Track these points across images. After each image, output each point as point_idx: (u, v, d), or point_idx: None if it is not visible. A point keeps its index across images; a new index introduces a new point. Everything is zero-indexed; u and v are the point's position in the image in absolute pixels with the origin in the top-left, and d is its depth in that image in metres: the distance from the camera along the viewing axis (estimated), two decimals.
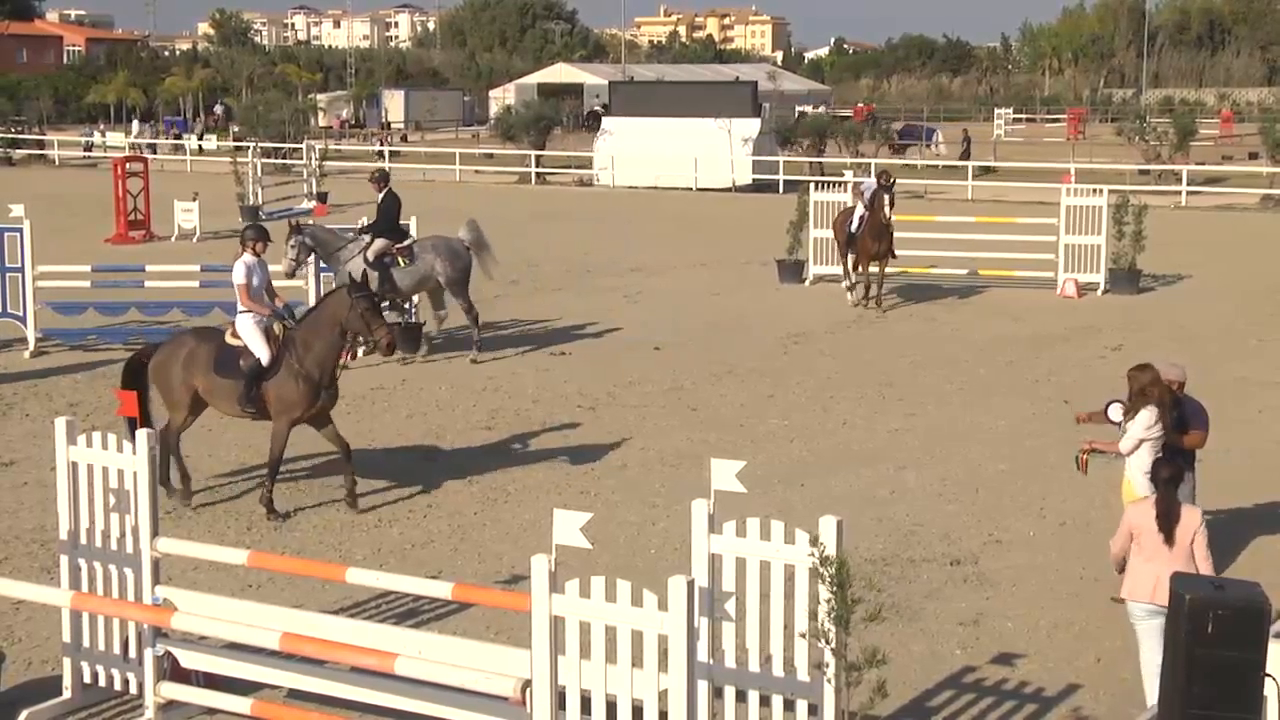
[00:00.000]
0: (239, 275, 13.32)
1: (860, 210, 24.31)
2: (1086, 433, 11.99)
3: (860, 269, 24.59)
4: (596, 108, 75.40)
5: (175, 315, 21.42)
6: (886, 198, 23.56)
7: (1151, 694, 8.65)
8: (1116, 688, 9.38)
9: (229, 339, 13.06)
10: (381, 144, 60.87)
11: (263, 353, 12.81)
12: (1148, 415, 10.40)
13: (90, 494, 8.90)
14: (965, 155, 57.47)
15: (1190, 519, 8.73)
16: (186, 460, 13.38)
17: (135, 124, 76.98)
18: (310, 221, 21.62)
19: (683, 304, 25.07)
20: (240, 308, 13.24)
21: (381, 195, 19.91)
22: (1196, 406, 11.08)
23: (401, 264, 19.45)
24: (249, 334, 12.93)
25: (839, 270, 27.83)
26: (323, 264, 19.54)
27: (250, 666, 8.49)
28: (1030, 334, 22.22)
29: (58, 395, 17.73)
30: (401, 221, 20.26)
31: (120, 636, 8.86)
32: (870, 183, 24.56)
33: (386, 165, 56.55)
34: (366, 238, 19.53)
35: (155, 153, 60.86)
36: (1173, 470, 8.82)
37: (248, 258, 13.48)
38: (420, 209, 30.50)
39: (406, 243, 19.74)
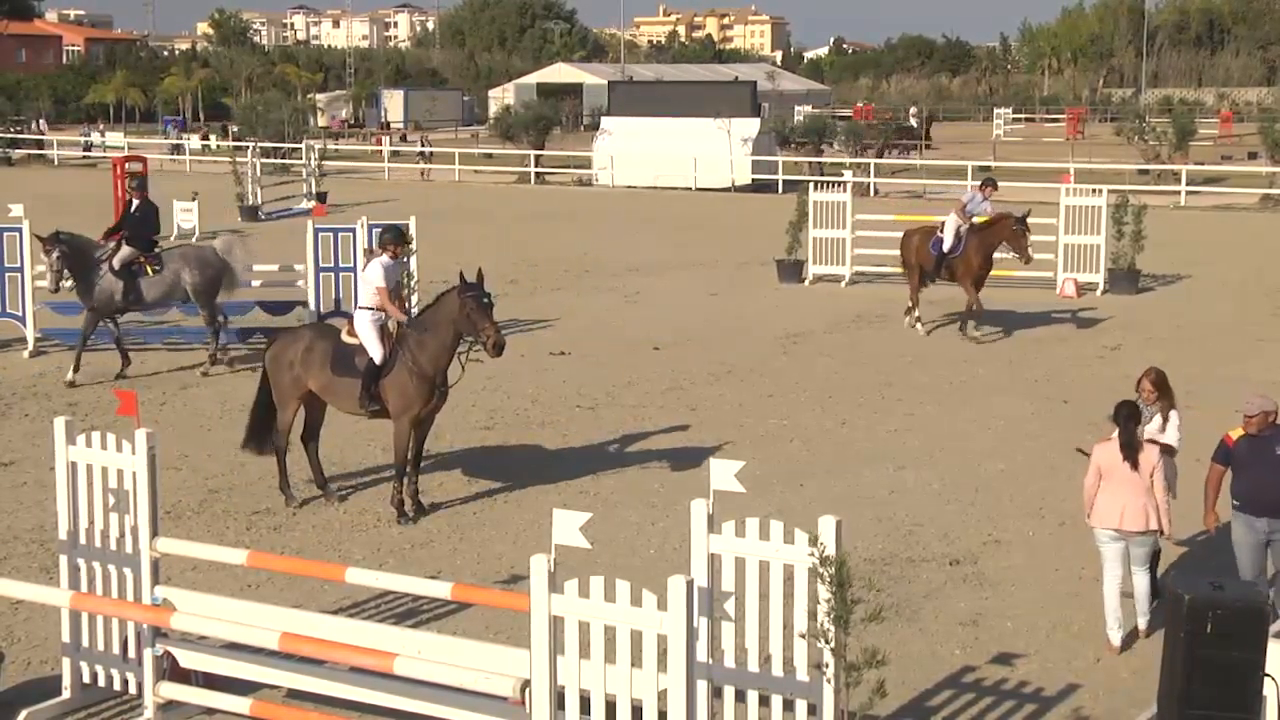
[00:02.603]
0: (377, 277, 13.04)
1: (955, 223, 21.55)
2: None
3: (968, 291, 21.60)
4: None
5: (174, 315, 21.41)
6: (1025, 235, 21.03)
7: (1112, 613, 10.06)
8: (1116, 687, 9.38)
9: (345, 337, 12.93)
10: (422, 144, 59.90)
11: (376, 351, 12.67)
12: (1176, 416, 10.81)
13: (90, 494, 8.89)
14: (881, 152, 56.11)
15: (1150, 454, 9.92)
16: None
17: (40, 123, 73.57)
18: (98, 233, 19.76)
19: (682, 304, 25.06)
20: (361, 303, 13.11)
21: (137, 204, 19.23)
22: None
23: (150, 273, 18.83)
24: (365, 332, 12.77)
25: (838, 270, 27.84)
26: (70, 272, 18.64)
27: (249, 666, 8.49)
28: (1030, 334, 22.21)
29: (57, 395, 17.72)
30: (400, 223, 20.15)
31: (120, 636, 8.85)
32: (971, 195, 22.17)
33: (427, 166, 56.67)
34: (111, 245, 18.85)
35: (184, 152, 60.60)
36: (1130, 408, 9.99)
37: (385, 259, 13.16)
38: (420, 209, 30.54)
39: (155, 251, 19.09)
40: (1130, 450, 9.84)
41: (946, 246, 21.58)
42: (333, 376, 12.85)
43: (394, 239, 13.41)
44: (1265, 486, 9.79)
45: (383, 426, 13.45)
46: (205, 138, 65.94)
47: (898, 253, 23.39)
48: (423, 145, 59.19)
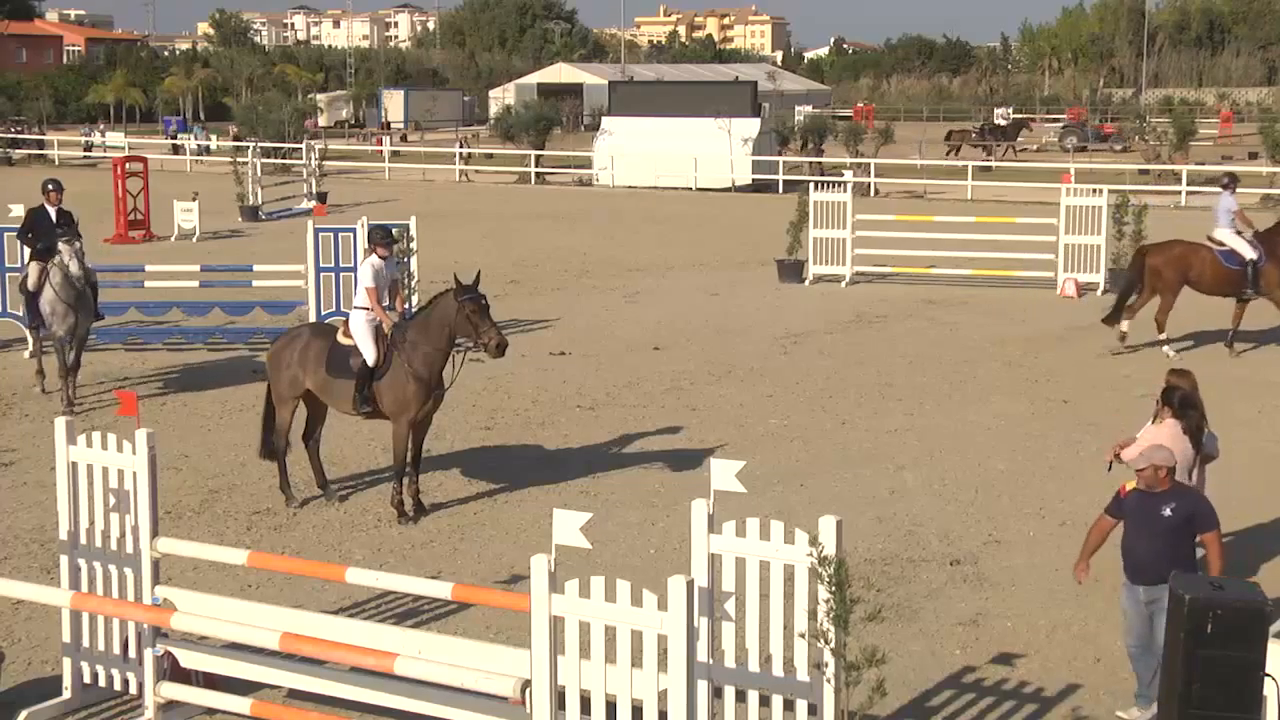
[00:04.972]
0: (366, 277, 13.05)
1: (1232, 230, 19.81)
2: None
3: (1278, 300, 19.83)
4: None
5: (175, 315, 21.44)
6: None
7: None
8: (1116, 688, 9.38)
9: (340, 338, 12.94)
10: (463, 145, 59.55)
11: (369, 353, 12.66)
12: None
13: (90, 494, 8.89)
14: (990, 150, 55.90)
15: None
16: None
17: None
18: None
19: (682, 304, 25.06)
20: (357, 302, 13.12)
21: (56, 210, 17.93)
22: (1206, 506, 8.97)
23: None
24: (359, 333, 12.76)
25: (839, 270, 27.85)
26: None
27: (250, 666, 8.49)
28: (1030, 334, 22.20)
29: (57, 395, 17.69)
30: (398, 223, 20.12)
31: (120, 636, 8.85)
32: (1229, 198, 20.29)
33: (469, 168, 56.35)
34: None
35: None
36: (1183, 394, 10.07)
37: (374, 259, 13.18)
38: (421, 209, 30.58)
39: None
40: (1198, 435, 9.98)
41: (1254, 256, 19.72)
42: (328, 377, 12.86)
43: (381, 239, 13.43)
44: (1141, 551, 8.73)
45: (383, 426, 13.47)
46: (237, 138, 65.40)
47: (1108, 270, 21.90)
48: (462, 146, 58.91)
